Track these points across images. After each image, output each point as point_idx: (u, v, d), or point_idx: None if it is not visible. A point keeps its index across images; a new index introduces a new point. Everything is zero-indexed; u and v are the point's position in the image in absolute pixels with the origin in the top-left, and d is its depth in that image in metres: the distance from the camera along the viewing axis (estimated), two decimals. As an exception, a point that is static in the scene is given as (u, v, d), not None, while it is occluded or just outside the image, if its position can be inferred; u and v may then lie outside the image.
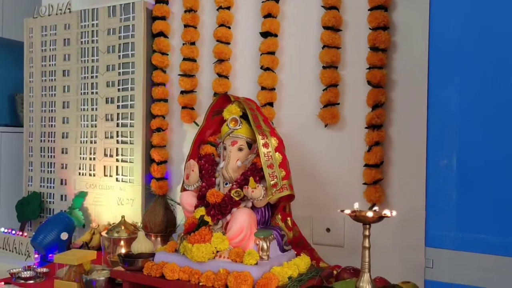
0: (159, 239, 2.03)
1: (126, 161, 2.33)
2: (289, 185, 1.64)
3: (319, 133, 1.98)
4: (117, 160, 2.36)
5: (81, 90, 2.48)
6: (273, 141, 1.67)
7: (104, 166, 2.40)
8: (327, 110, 1.91)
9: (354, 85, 1.91)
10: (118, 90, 2.35)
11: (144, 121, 2.30)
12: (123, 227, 1.86)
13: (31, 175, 2.66)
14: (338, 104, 1.92)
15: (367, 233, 1.42)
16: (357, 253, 1.92)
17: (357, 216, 1.42)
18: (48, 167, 2.60)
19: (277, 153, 1.67)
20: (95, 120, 2.43)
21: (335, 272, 1.75)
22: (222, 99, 1.85)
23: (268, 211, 1.73)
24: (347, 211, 1.46)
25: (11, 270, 1.84)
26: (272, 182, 1.62)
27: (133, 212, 2.29)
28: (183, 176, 1.79)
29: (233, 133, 1.75)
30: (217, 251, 1.58)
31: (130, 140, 2.32)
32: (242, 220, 1.60)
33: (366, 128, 1.85)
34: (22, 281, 1.78)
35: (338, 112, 1.91)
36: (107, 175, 2.39)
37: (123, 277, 1.66)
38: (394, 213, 1.40)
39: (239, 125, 1.75)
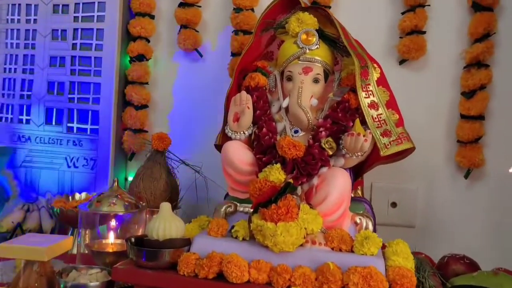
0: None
1: (86, 102, 1.56)
2: (407, 134, 1.09)
3: (388, 70, 1.42)
4: (70, 100, 1.57)
5: (6, -9, 1.63)
6: (374, 71, 1.11)
7: (47, 109, 1.59)
8: (411, 40, 1.38)
9: (444, 8, 1.41)
10: (76, -6, 1.56)
11: (119, 44, 1.55)
12: (119, 197, 1.13)
13: None
14: (425, 32, 1.40)
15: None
16: (432, 236, 1.45)
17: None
18: None
19: (380, 87, 1.11)
20: (33, 39, 1.60)
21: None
22: (279, 4, 1.23)
23: (352, 175, 1.16)
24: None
25: None
26: (380, 130, 1.06)
27: (94, 179, 1.55)
28: (226, 118, 1.14)
29: (306, 54, 1.14)
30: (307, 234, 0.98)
31: (94, 70, 1.55)
32: (342, 186, 1.02)
33: (465, 67, 1.36)
34: None
35: (425, 43, 1.40)
36: (50, 123, 1.59)
37: (141, 280, 0.96)
38: None
39: (317, 44, 1.15)
